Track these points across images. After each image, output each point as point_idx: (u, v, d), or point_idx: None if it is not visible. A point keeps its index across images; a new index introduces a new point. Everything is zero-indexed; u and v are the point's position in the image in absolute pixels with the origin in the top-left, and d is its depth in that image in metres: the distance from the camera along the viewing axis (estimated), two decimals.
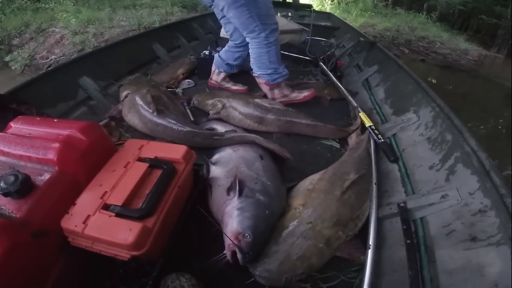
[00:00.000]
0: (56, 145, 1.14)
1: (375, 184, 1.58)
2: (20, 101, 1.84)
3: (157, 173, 1.22)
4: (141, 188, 1.16)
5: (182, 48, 3.71)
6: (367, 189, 1.54)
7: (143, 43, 3.21)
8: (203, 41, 4.10)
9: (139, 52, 3.11)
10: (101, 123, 2.07)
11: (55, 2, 8.78)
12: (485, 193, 1.24)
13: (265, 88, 2.44)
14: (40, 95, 2.05)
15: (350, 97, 2.50)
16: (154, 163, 1.25)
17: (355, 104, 2.36)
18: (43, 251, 1.01)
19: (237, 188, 1.29)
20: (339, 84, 2.72)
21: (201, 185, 1.45)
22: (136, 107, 2.00)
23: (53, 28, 7.59)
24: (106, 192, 1.12)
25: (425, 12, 15.32)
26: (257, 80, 2.45)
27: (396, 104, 2.28)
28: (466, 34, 16.78)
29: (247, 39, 2.31)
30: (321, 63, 3.16)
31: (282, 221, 1.30)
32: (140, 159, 1.28)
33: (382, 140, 1.92)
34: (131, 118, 2.04)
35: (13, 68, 6.86)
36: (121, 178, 1.18)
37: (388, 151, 1.85)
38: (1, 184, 1.00)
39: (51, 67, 6.52)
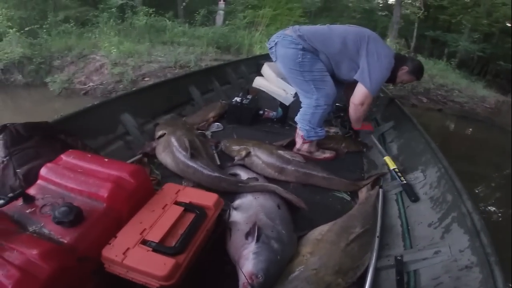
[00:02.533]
0: (108, 184, 1.33)
1: (377, 237, 1.70)
2: (68, 132, 1.98)
3: (190, 216, 1.39)
4: (175, 228, 1.32)
5: (215, 91, 3.96)
6: (369, 242, 1.66)
7: (180, 85, 3.46)
8: (234, 85, 4.38)
9: (175, 93, 3.34)
10: (134, 158, 2.26)
11: (99, 31, 9.19)
12: (473, 251, 1.37)
13: (299, 138, 2.65)
14: (84, 126, 2.21)
15: (376, 142, 2.76)
16: (189, 208, 1.42)
17: (380, 148, 2.64)
18: (81, 274, 1.16)
19: (256, 234, 1.44)
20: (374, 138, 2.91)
21: (221, 227, 1.60)
22: (171, 148, 2.19)
23: (94, 56, 7.94)
24: (145, 229, 1.29)
25: (445, 59, 15.34)
26: (297, 126, 2.65)
27: (406, 162, 2.42)
28: (485, 79, 16.76)
29: (300, 97, 2.58)
30: (342, 114, 3.31)
31: (290, 265, 1.44)
32: (177, 203, 1.45)
33: (405, 181, 2.10)
34: (164, 157, 2.22)
35: (51, 89, 7.18)
36: (159, 218, 1.35)
37: (410, 192, 2.02)
38: (56, 214, 1.17)
39: (87, 93, 7.16)
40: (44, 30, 8.73)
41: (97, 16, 10.06)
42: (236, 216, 1.67)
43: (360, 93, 2.40)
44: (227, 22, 12.26)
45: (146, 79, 7.28)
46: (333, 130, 3.11)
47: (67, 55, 8.07)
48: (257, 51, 9.05)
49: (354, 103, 2.46)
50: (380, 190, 2.12)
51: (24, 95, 7.45)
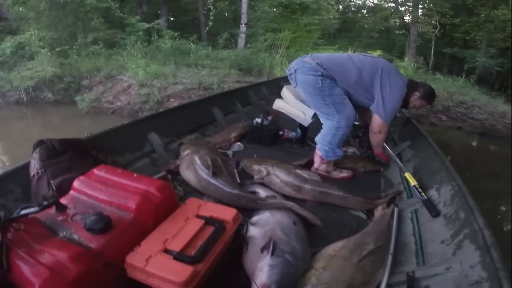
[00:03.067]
0: (137, 197, 1.45)
1: (391, 254, 1.74)
2: (99, 149, 2.13)
3: (210, 229, 1.47)
4: (195, 240, 1.40)
5: (237, 113, 4.12)
6: (382, 258, 1.69)
7: (204, 106, 3.61)
8: (255, 107, 4.54)
9: (199, 114, 3.49)
10: (159, 175, 2.37)
11: (126, 53, 9.52)
12: (484, 266, 1.40)
13: (317, 158, 2.73)
14: (113, 144, 2.36)
15: (397, 159, 2.79)
16: (209, 221, 1.51)
17: (400, 164, 2.71)
18: (104, 278, 1.25)
19: (271, 248, 1.50)
20: (390, 151, 2.93)
21: (239, 241, 1.67)
22: (194, 166, 2.30)
23: (122, 77, 8.19)
24: (167, 239, 1.38)
25: (464, 75, 15.13)
26: (316, 146, 2.74)
27: (421, 180, 2.43)
28: (505, 94, 16.37)
29: (321, 119, 2.70)
30: (360, 133, 3.33)
31: (303, 279, 1.48)
32: (198, 216, 1.55)
33: (426, 197, 2.14)
34: (187, 175, 2.33)
35: (80, 107, 7.41)
36: (181, 229, 1.45)
37: (431, 207, 2.05)
38: (87, 221, 1.28)
39: (114, 112, 7.37)
40: (74, 51, 9.12)
41: (124, 39, 10.50)
42: (253, 231, 1.73)
43: (376, 123, 2.60)
44: (248, 45, 12.54)
45: (171, 100, 7.43)
46: (351, 150, 3.16)
47: (95, 75, 8.38)
48: (278, 73, 9.16)
49: (373, 131, 2.66)
50: (396, 209, 2.16)
51: (53, 112, 7.75)
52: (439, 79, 12.28)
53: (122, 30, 11.46)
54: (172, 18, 20.87)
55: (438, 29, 18.02)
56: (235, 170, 2.55)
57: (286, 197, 2.26)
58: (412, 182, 2.33)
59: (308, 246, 1.72)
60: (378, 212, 2.19)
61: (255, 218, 1.89)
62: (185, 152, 2.56)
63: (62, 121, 7.30)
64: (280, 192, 2.30)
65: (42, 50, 8.34)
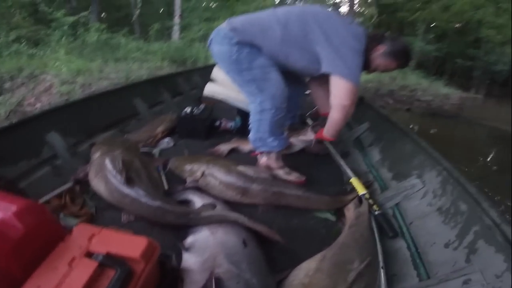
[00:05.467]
0: None
1: (382, 268, 1.31)
2: None
3: (110, 274, 0.93)
4: None
5: (165, 104, 3.48)
6: (375, 278, 1.25)
7: (122, 97, 2.96)
8: (187, 97, 3.91)
9: (117, 106, 2.83)
10: (64, 187, 1.79)
11: (50, 50, 8.73)
12: None
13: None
14: (0, 150, 1.76)
15: (340, 159, 2.24)
16: (106, 262, 0.94)
17: (347, 169, 2.09)
18: None
19: None
20: (328, 144, 2.44)
21: (168, 279, 1.13)
22: (104, 172, 1.69)
23: (45, 76, 7.42)
24: None
25: None
26: None
27: (395, 167, 2.04)
28: (443, 78, 17.37)
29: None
30: (307, 120, 2.93)
31: None
32: (89, 254, 0.97)
33: (379, 212, 1.66)
34: (97, 184, 1.71)
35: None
36: (64, 279, 0.90)
37: (386, 225, 1.59)
38: None
39: None
40: None
41: (49, 35, 9.71)
42: (188, 260, 1.21)
43: (341, 88, 1.84)
44: (181, 35, 12.21)
45: None
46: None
47: (17, 77, 7.55)
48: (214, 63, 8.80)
49: (342, 104, 1.88)
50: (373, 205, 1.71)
51: None
52: None
53: (48, 26, 10.60)
54: (104, 14, 20.53)
55: (376, 16, 18.53)
56: (162, 174, 1.96)
57: (230, 203, 1.71)
58: (361, 190, 1.82)
59: (269, 273, 1.22)
60: (350, 211, 1.71)
61: (189, 240, 1.34)
62: (95, 155, 1.92)
63: None
64: (221, 197, 1.74)
65: None
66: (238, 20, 1.95)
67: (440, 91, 10.96)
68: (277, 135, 2.05)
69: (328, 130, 2.07)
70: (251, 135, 2.09)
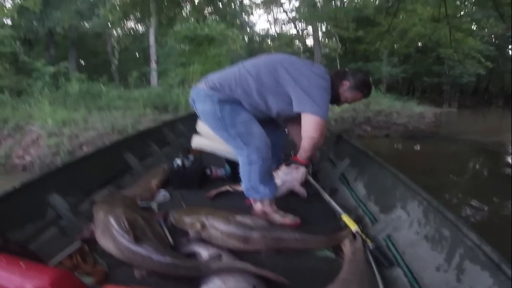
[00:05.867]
0: None
1: None
2: None
3: None
4: None
5: (154, 156, 3.56)
6: None
7: (113, 153, 3.04)
8: (174, 146, 4.01)
9: (110, 163, 2.92)
10: (72, 247, 1.81)
11: (34, 100, 8.83)
12: (501, 285, 1.15)
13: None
14: (6, 214, 1.81)
15: (329, 198, 2.33)
16: None
17: (337, 207, 2.20)
18: None
19: None
20: (315, 184, 2.57)
21: None
22: (111, 232, 1.74)
23: (31, 127, 7.49)
24: None
25: (373, 86, 15.93)
26: None
27: (380, 200, 2.15)
28: (415, 97, 17.80)
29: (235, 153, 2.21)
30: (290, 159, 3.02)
31: None
32: None
33: (373, 245, 1.75)
34: (106, 243, 1.76)
35: None
36: None
37: (381, 256, 1.68)
38: None
39: (25, 169, 6.59)
40: None
41: (31, 85, 9.89)
42: None
43: (310, 122, 1.98)
44: (160, 81, 12.30)
45: (84, 148, 6.87)
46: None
47: (3, 128, 7.64)
48: None
49: (311, 136, 2.01)
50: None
51: None
52: None
53: (29, 76, 10.85)
54: (82, 61, 21.11)
55: (340, 47, 19.14)
56: (164, 228, 2.01)
57: (234, 251, 1.78)
58: (353, 226, 1.90)
59: None
60: (346, 247, 1.78)
61: None
62: (99, 214, 1.96)
63: None
64: (224, 246, 1.81)
65: None
66: (215, 78, 2.10)
67: (414, 111, 11.18)
68: (267, 182, 2.15)
69: (301, 155, 2.20)
70: (243, 185, 2.20)
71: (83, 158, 2.74)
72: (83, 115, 7.94)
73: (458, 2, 8.81)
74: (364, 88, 2.21)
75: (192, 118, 4.86)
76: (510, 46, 22.82)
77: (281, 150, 2.73)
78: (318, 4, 18.32)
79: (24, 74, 11.03)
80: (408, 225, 1.78)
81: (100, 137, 7.05)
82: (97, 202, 2.18)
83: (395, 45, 16.35)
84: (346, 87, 2.16)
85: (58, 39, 17.54)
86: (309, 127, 1.99)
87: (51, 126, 7.19)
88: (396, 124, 10.16)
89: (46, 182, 2.21)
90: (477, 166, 7.66)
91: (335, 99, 2.18)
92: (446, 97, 21.50)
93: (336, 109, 10.30)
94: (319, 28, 20.50)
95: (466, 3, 9.06)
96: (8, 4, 9.50)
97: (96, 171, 2.71)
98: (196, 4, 9.87)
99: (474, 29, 15.90)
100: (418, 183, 1.89)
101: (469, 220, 4.28)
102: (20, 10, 11.91)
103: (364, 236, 1.80)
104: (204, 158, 3.10)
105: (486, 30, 15.75)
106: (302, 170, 2.36)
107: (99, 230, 1.83)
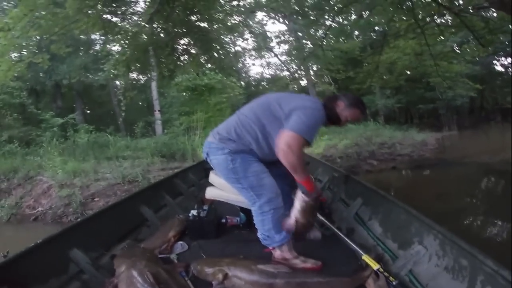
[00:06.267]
0: None
1: None
2: (13, 282, 1.65)
3: None
4: None
5: (168, 207, 3.58)
6: None
7: (129, 206, 3.07)
8: (187, 196, 4.05)
9: (127, 217, 2.95)
10: None
11: (43, 151, 8.92)
12: None
13: None
14: (30, 270, 1.85)
15: (347, 240, 2.35)
16: None
17: (356, 248, 2.20)
18: None
19: None
20: (334, 229, 2.58)
21: None
22: (136, 286, 1.77)
23: (41, 177, 7.55)
24: None
25: (372, 119, 16.03)
26: None
27: (397, 237, 2.15)
28: (414, 124, 17.78)
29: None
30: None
31: None
32: None
33: (396, 282, 1.74)
34: None
35: None
36: None
37: None
38: None
39: (36, 219, 6.62)
40: None
41: (40, 136, 10.10)
42: None
43: (283, 135, 1.97)
44: (165, 130, 12.73)
45: (95, 199, 6.86)
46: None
47: (13, 177, 7.72)
48: (201, 154, 8.96)
49: (279, 147, 1.97)
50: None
51: None
52: (351, 129, 12.64)
53: (38, 127, 11.15)
54: (88, 111, 21.53)
55: (333, 85, 19.53)
56: (187, 280, 2.01)
57: None
58: (374, 265, 1.90)
59: None
60: (371, 286, 1.80)
61: None
62: (121, 268, 1.99)
63: None
64: None
65: None
66: (221, 130, 2.20)
67: (416, 139, 11.17)
68: (282, 230, 2.15)
69: (293, 175, 2.08)
70: (259, 234, 2.23)
71: (100, 213, 2.80)
72: (93, 166, 8.02)
73: (436, 31, 8.93)
74: (359, 104, 2.30)
75: (200, 167, 4.97)
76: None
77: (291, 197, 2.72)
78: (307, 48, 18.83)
79: (32, 125, 11.37)
80: (427, 259, 1.79)
81: (111, 188, 7.07)
82: (118, 256, 2.23)
83: (385, 77, 16.49)
84: (342, 107, 2.23)
85: (65, 90, 18.11)
86: (280, 139, 1.98)
87: (61, 177, 7.25)
88: (401, 155, 10.09)
89: (67, 238, 2.25)
90: (489, 187, 7.58)
91: (336, 119, 2.25)
92: (444, 120, 21.53)
93: (339, 146, 10.33)
94: (310, 69, 21.26)
95: (444, 32, 9.22)
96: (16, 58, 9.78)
97: (113, 225, 2.73)
98: (194, 56, 10.12)
99: (460, 52, 16.05)
100: (434, 210, 1.91)
101: (494, 239, 4.21)
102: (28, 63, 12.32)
103: (386, 274, 1.80)
104: (218, 206, 3.12)
105: (469, 51, 15.93)
106: (299, 196, 2.13)
107: (123, 284, 1.85)
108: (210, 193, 2.93)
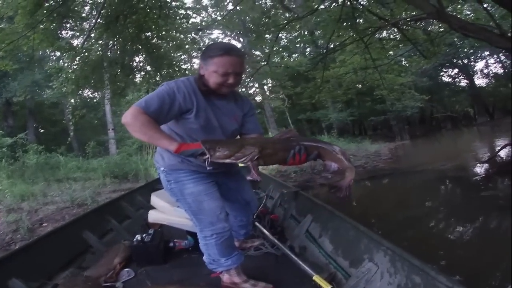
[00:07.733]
0: None
1: None
2: None
3: None
4: None
5: (114, 231, 3.33)
6: None
7: (71, 232, 2.84)
8: (135, 219, 3.78)
9: (69, 243, 2.72)
10: None
11: None
12: None
13: None
14: None
15: (298, 261, 2.22)
16: None
17: (307, 269, 2.08)
18: None
19: None
20: (283, 247, 2.46)
21: None
22: None
23: None
24: None
25: (326, 132, 16.27)
26: None
27: (348, 254, 2.11)
28: (367, 136, 18.29)
29: None
30: (256, 223, 2.84)
31: None
32: None
33: None
34: None
35: None
36: None
37: None
38: None
39: None
40: None
41: None
42: None
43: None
44: (118, 150, 12.15)
45: (43, 224, 6.34)
46: (256, 243, 2.64)
47: None
48: (155, 174, 8.69)
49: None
50: None
51: None
52: None
53: None
54: (41, 130, 20.93)
55: (286, 100, 19.88)
56: None
57: None
58: (326, 286, 1.84)
59: None
60: None
61: None
62: None
63: None
64: None
65: None
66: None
67: (369, 150, 11.46)
68: (229, 253, 2.00)
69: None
70: (205, 258, 2.07)
71: (41, 239, 2.60)
72: (42, 188, 7.58)
73: (379, 45, 9.23)
74: (212, 51, 1.73)
75: (149, 187, 4.73)
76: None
77: (250, 222, 2.59)
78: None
79: None
80: (379, 277, 1.75)
81: (60, 212, 6.63)
82: (60, 286, 2.14)
83: (333, 91, 16.88)
84: (202, 67, 1.77)
85: (16, 108, 17.38)
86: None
87: (10, 201, 6.81)
88: (355, 167, 10.17)
89: (5, 266, 2.08)
90: (445, 192, 7.73)
91: (207, 86, 1.76)
92: (396, 131, 22.26)
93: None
94: (265, 85, 21.96)
95: (387, 46, 9.56)
96: None
97: (55, 252, 2.53)
98: (146, 73, 9.88)
99: (405, 65, 16.71)
100: (394, 218, 1.89)
101: (458, 242, 4.24)
102: None
103: None
104: (167, 230, 2.92)
105: (414, 65, 16.67)
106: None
107: None
108: (153, 216, 2.79)
